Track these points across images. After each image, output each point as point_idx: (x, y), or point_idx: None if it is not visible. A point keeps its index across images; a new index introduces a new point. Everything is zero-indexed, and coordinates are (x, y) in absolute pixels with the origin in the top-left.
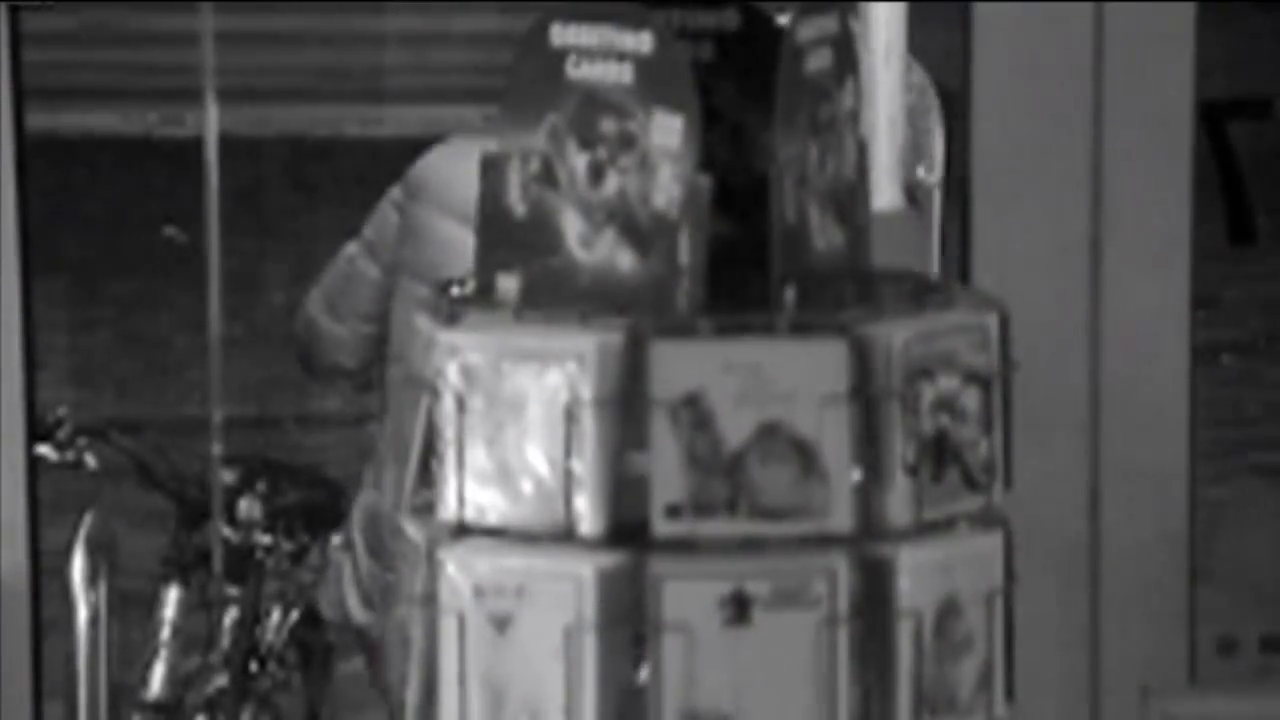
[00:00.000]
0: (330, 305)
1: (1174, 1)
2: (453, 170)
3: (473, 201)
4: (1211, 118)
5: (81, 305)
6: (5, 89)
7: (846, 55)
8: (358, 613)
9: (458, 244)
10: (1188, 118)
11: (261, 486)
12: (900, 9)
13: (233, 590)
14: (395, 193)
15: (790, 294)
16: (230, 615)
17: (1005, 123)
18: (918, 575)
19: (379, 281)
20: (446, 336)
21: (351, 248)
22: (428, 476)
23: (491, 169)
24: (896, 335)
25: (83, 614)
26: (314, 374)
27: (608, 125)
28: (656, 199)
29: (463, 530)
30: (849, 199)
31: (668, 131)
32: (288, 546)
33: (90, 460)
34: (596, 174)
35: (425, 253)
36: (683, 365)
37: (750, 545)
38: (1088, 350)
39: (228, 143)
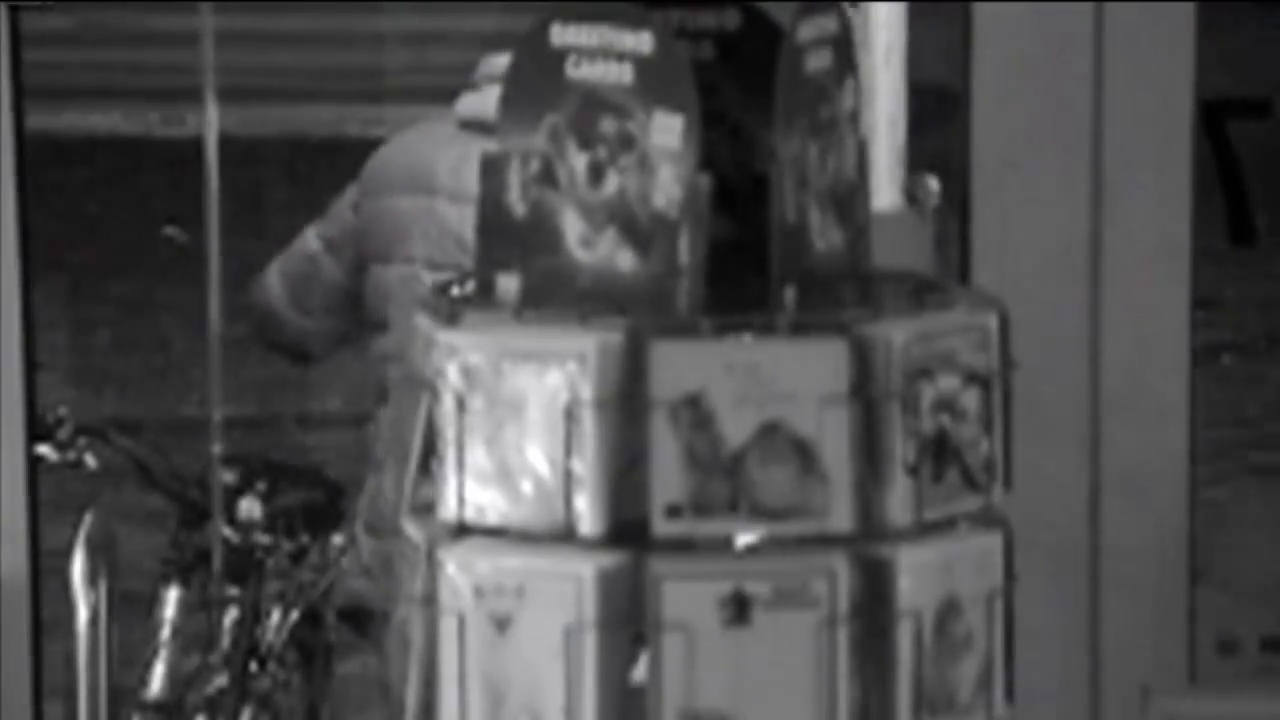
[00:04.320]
0: (295, 300)
1: (1174, 1)
2: (402, 153)
3: (426, 173)
4: (1211, 118)
5: (81, 305)
6: (5, 89)
7: (846, 55)
8: (355, 582)
9: (418, 213)
10: (1188, 118)
11: (261, 486)
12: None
13: (233, 590)
14: (350, 193)
15: (790, 294)
16: (230, 615)
17: (1005, 122)
18: (918, 575)
19: (342, 279)
20: (446, 336)
21: (313, 244)
22: (428, 476)
23: (491, 169)
24: (896, 335)
25: (83, 614)
26: (271, 350)
27: (608, 125)
28: (656, 199)
29: (463, 530)
30: (849, 199)
31: (668, 131)
32: (288, 546)
33: (90, 460)
34: (596, 174)
35: (385, 234)
36: (683, 365)
37: (750, 545)
38: (1088, 350)
39: (228, 143)
